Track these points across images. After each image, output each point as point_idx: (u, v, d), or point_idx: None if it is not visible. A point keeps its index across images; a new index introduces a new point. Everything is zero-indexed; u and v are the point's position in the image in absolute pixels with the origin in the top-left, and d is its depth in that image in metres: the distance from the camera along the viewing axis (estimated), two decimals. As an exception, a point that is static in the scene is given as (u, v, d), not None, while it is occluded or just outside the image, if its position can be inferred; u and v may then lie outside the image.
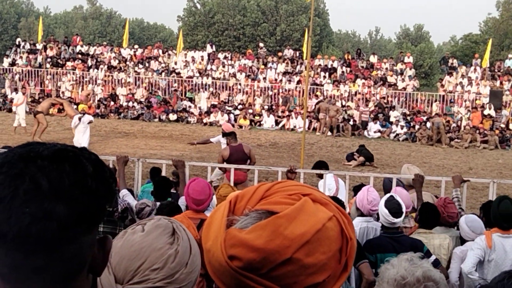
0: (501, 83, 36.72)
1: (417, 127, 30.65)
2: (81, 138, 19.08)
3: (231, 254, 1.38)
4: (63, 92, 36.95)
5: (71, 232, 1.19)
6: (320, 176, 9.50)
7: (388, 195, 6.04)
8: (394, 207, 5.75)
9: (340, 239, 1.43)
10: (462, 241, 6.31)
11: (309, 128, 31.32)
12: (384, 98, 35.83)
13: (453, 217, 6.64)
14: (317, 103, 32.93)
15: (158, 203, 6.85)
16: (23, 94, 27.53)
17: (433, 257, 5.64)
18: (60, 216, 1.16)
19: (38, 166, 1.18)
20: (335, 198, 6.66)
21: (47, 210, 1.15)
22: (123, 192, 7.30)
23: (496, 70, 39.13)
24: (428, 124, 30.56)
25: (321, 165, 10.11)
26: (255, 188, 1.53)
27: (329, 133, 30.08)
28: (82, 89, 37.00)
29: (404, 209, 5.85)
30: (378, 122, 31.71)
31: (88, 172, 1.23)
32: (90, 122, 19.84)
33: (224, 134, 13.29)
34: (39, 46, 42.07)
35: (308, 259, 1.36)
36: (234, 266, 1.37)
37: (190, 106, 34.97)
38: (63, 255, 1.20)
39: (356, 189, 9.05)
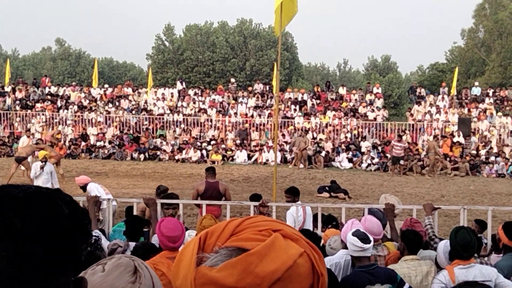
0: (469, 110, 37.31)
1: (388, 156, 30.78)
2: None
3: (201, 293, 1.36)
4: (33, 134, 36.56)
5: (47, 273, 1.18)
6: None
7: (354, 229, 6.06)
8: (361, 234, 5.78)
9: (311, 275, 1.41)
10: (437, 264, 6.29)
11: (282, 162, 31.43)
12: (355, 129, 36.15)
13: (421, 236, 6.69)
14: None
15: (130, 243, 6.77)
16: (28, 137, 27.14)
17: (406, 286, 5.64)
18: (34, 257, 1.15)
19: (12, 208, 1.17)
20: (307, 231, 6.65)
21: (21, 251, 1.14)
22: (95, 233, 7.22)
23: (463, 98, 39.78)
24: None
25: (292, 191, 10.20)
26: (225, 224, 1.51)
27: (301, 166, 30.13)
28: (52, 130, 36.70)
29: (371, 238, 5.86)
30: (349, 153, 31.99)
31: (63, 214, 1.23)
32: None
33: (82, 188, 13.41)
34: (8, 88, 41.79)
35: (280, 297, 1.35)
36: (205, 305, 1.35)
37: (162, 143, 34.85)
38: None
39: (325, 221, 9.04)
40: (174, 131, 36.85)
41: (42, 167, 16.81)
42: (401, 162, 28.96)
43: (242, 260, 1.36)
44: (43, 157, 17.09)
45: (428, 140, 31.07)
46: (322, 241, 7.57)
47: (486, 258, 7.73)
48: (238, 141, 34.83)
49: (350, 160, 31.79)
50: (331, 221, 8.92)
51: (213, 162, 31.36)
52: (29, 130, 33.20)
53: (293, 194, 10.09)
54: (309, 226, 9.48)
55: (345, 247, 6.39)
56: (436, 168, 29.14)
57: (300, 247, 1.43)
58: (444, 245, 6.14)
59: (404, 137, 34.39)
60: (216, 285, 1.34)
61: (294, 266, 1.37)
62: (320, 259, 1.46)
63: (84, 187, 13.43)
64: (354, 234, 5.80)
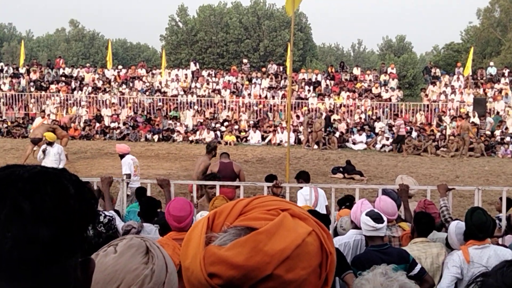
0: (484, 90, 37.00)
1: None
2: None
3: (211, 272, 1.36)
4: (48, 115, 36.73)
5: (55, 255, 1.17)
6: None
7: (368, 209, 6.05)
8: (374, 214, 5.78)
9: (320, 254, 1.41)
10: (448, 245, 6.27)
11: (295, 143, 31.45)
12: (370, 110, 36.05)
13: (435, 218, 6.66)
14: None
15: (145, 224, 6.80)
16: (42, 117, 27.16)
17: (418, 266, 5.64)
18: (43, 239, 1.14)
19: (19, 189, 1.16)
20: (314, 211, 6.66)
21: (30, 234, 1.13)
22: (109, 214, 7.24)
23: (478, 78, 39.45)
24: (414, 134, 30.77)
25: (301, 176, 10.17)
26: (234, 204, 1.51)
27: (316, 146, 30.08)
28: (67, 112, 36.89)
29: (385, 218, 5.85)
30: (363, 134, 31.91)
31: (70, 194, 1.21)
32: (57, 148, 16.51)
33: (121, 156, 13.37)
34: (22, 70, 41.97)
35: (289, 275, 1.34)
36: (214, 284, 1.36)
37: (175, 124, 34.90)
38: (46, 279, 1.17)
39: (340, 202, 9.04)
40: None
41: (44, 151, 16.44)
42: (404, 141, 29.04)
43: (251, 238, 1.36)
44: (46, 139, 16.66)
45: (462, 121, 30.52)
46: (336, 222, 7.57)
47: (500, 239, 7.71)
48: (251, 122, 34.87)
49: (364, 141, 31.71)
50: (346, 202, 8.93)
51: (227, 143, 31.41)
52: (43, 111, 33.37)
53: (305, 179, 10.10)
54: (322, 207, 9.46)
55: (355, 227, 6.40)
56: (451, 148, 29.03)
57: (309, 226, 1.43)
58: (455, 226, 6.10)
59: (416, 117, 34.31)
60: (225, 264, 1.35)
61: (303, 244, 1.37)
62: (329, 238, 1.46)
63: (122, 156, 13.44)
64: (367, 214, 5.81)
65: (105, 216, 6.77)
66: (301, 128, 32.70)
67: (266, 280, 1.34)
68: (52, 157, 16.25)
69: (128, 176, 12.47)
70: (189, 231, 1.52)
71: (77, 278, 1.25)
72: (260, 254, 1.33)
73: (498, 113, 34.16)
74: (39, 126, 24.72)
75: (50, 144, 16.57)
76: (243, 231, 1.40)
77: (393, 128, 30.52)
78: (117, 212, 7.77)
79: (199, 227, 1.47)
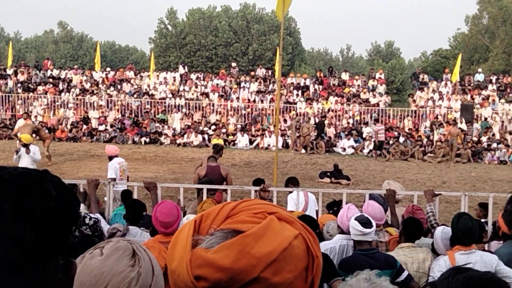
0: (471, 97, 37.19)
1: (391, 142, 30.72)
2: None
3: (197, 275, 1.35)
4: (35, 117, 36.47)
5: (36, 257, 1.15)
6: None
7: (358, 214, 6.05)
8: (363, 219, 5.78)
9: (306, 257, 1.41)
10: (433, 251, 6.28)
11: (283, 147, 31.46)
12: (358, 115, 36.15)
13: (423, 223, 6.68)
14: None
15: (130, 227, 6.77)
16: (24, 119, 27.12)
17: (405, 273, 5.63)
18: (24, 240, 1.13)
19: None
20: (306, 216, 6.66)
21: (10, 235, 1.12)
22: (94, 216, 7.21)
23: (466, 84, 39.66)
24: (401, 139, 30.86)
25: (291, 180, 10.16)
26: (220, 207, 1.51)
27: (303, 151, 30.11)
28: (54, 113, 36.71)
29: (374, 223, 5.84)
30: (351, 138, 31.97)
31: (51, 195, 1.20)
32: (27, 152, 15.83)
33: (110, 158, 13.27)
34: (10, 71, 41.76)
35: (275, 278, 1.34)
36: (200, 286, 1.35)
37: (163, 127, 34.84)
38: (28, 281, 1.15)
39: (329, 207, 9.04)
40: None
41: (17, 151, 16.19)
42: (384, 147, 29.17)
43: (238, 241, 1.36)
44: (21, 141, 16.33)
45: (451, 127, 30.51)
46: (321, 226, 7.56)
47: (486, 245, 7.74)
48: (239, 126, 34.84)
49: (351, 146, 31.77)
50: (334, 206, 8.93)
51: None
52: (26, 112, 33.14)
53: (295, 184, 10.08)
54: (312, 211, 9.46)
55: (341, 232, 6.39)
56: (438, 154, 29.14)
57: (295, 229, 1.43)
58: (441, 232, 6.12)
59: (404, 123, 34.43)
60: (212, 267, 1.34)
61: (289, 247, 1.37)
62: (315, 241, 1.46)
63: (111, 158, 13.31)
64: (356, 218, 5.80)
65: (90, 218, 6.74)
66: (289, 132, 32.73)
67: (253, 283, 1.34)
68: (28, 159, 15.89)
69: (113, 180, 12.38)
70: (175, 234, 1.51)
71: (59, 281, 1.24)
72: (247, 257, 1.33)
73: (485, 119, 34.40)
74: (24, 125, 24.60)
75: (26, 146, 16.22)
76: (230, 234, 1.39)
77: (372, 134, 30.51)
78: (102, 214, 7.74)
79: (186, 230, 1.46)
